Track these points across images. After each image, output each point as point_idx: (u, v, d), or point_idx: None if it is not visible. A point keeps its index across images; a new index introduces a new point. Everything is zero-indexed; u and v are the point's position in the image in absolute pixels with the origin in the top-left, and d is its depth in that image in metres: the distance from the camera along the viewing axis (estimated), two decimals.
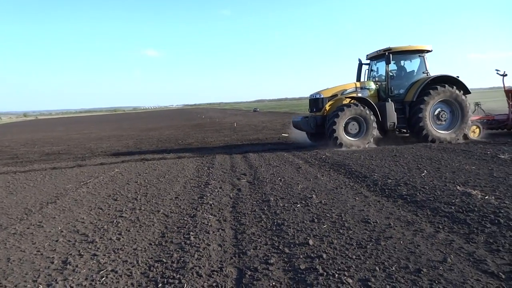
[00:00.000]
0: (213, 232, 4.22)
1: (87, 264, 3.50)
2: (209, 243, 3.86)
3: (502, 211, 4.23)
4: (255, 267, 3.22)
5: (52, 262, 3.59)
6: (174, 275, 3.17)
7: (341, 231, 3.96)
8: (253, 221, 4.54)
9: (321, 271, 3.03)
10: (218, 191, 6.24)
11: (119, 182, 7.45)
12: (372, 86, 11.59)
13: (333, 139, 10.57)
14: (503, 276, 2.76)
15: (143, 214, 5.10)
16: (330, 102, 11.34)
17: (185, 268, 3.28)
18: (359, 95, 11.37)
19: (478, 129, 11.82)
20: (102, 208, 5.51)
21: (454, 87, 10.88)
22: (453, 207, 4.52)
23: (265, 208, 5.02)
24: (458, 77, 11.20)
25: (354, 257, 3.28)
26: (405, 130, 11.78)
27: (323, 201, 5.17)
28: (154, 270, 3.31)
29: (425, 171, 6.82)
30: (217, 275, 3.13)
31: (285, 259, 3.36)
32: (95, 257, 3.66)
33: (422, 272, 2.90)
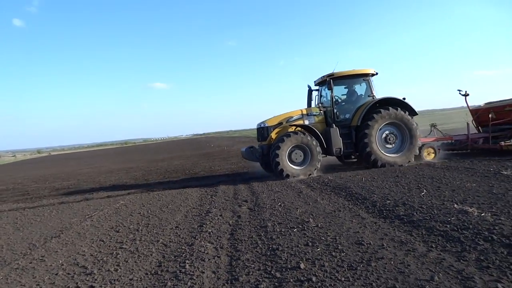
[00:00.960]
0: (209, 259, 4.28)
1: None
2: (203, 271, 3.92)
3: (496, 227, 4.21)
4: None
5: None
6: None
7: (333, 253, 3.99)
8: (249, 247, 4.58)
9: None
10: (218, 218, 6.31)
11: (123, 214, 7.58)
12: (319, 112, 11.42)
13: (278, 170, 10.32)
14: None
15: (143, 244, 5.19)
16: (276, 131, 11.04)
17: None
18: (306, 122, 11.19)
19: (433, 151, 11.61)
20: (104, 240, 5.61)
21: (399, 108, 10.76)
22: (448, 226, 4.51)
23: (262, 234, 5.07)
24: (404, 98, 11.08)
25: (343, 279, 3.30)
26: (353, 156, 11.74)
27: (319, 225, 5.20)
28: None
29: (424, 190, 6.80)
30: None
31: (276, 283, 3.40)
32: None
33: None
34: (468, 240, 3.97)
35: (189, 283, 3.60)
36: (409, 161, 10.85)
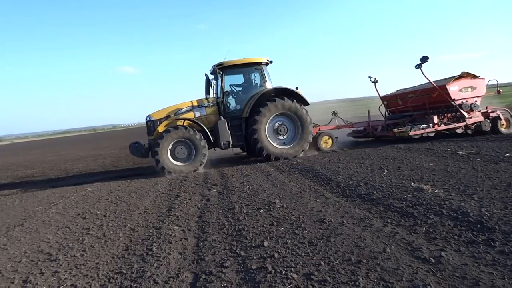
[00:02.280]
0: (176, 241, 4.34)
1: (47, 281, 3.57)
2: (170, 252, 3.98)
3: (446, 202, 4.53)
4: (210, 270, 3.37)
5: (13, 282, 3.63)
6: (132, 284, 3.29)
7: (296, 231, 4.16)
8: (216, 228, 4.68)
9: (270, 269, 3.21)
10: (187, 202, 6.36)
11: (90, 201, 7.47)
12: (211, 103, 10.97)
13: (159, 168, 9.81)
14: (433, 261, 3.01)
15: (110, 229, 5.17)
16: (164, 124, 10.33)
17: (143, 277, 3.39)
18: (196, 114, 10.67)
19: (330, 139, 11.76)
20: (70, 227, 5.54)
21: (294, 100, 10.51)
22: (404, 202, 4.80)
23: (229, 216, 5.18)
24: (297, 88, 10.96)
25: (303, 254, 3.48)
26: (243, 149, 11.52)
27: (285, 205, 5.37)
28: (113, 281, 3.41)
29: (386, 170, 7.14)
30: (173, 281, 3.27)
31: (240, 261, 3.53)
32: (56, 274, 3.73)
33: (362, 263, 3.12)
34: (421, 215, 4.25)
35: (155, 264, 3.66)
36: (302, 152, 10.69)
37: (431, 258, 3.05)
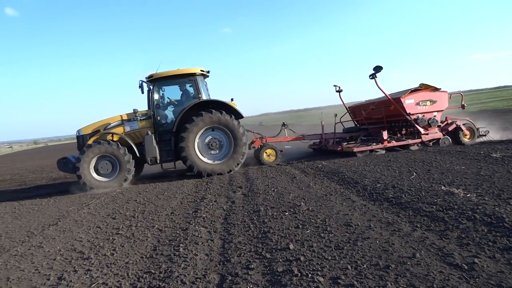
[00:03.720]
0: (202, 243, 4.41)
1: (80, 279, 3.71)
2: (196, 253, 4.05)
3: (480, 207, 4.36)
4: (236, 272, 3.40)
5: (48, 279, 3.80)
6: (160, 283, 3.36)
7: (322, 234, 4.13)
8: (242, 230, 4.71)
9: (296, 272, 3.19)
10: (212, 204, 6.44)
11: (119, 202, 7.70)
12: (144, 116, 10.37)
13: (81, 184, 9.49)
14: (466, 267, 2.91)
15: (139, 230, 5.31)
16: (93, 139, 9.96)
17: (171, 277, 3.47)
18: (127, 128, 10.21)
19: (273, 152, 11.16)
20: (100, 227, 5.73)
21: (224, 112, 9.91)
22: (434, 207, 4.66)
23: (255, 218, 5.20)
24: (232, 100, 10.55)
25: (330, 258, 3.44)
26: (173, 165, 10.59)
27: (310, 208, 5.34)
28: (142, 280, 3.51)
29: (414, 173, 6.95)
30: (200, 281, 3.32)
31: (266, 263, 3.54)
32: (89, 272, 3.87)
33: (390, 268, 3.05)
34: (452, 219, 4.11)
35: (182, 265, 3.73)
36: (234, 167, 10.12)
37: (463, 264, 2.95)
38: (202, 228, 5.00)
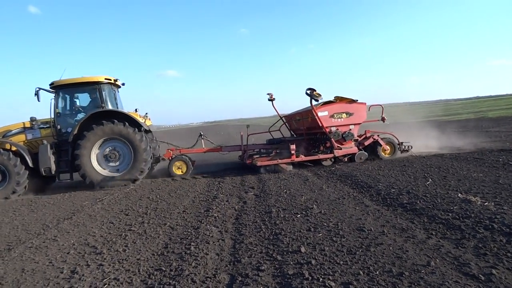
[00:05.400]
0: (213, 242, 4.41)
1: (92, 273, 3.75)
2: (207, 252, 4.05)
3: (498, 216, 4.24)
4: (246, 273, 3.39)
5: (62, 272, 3.86)
6: (171, 281, 3.38)
7: (334, 238, 4.08)
8: (253, 231, 4.70)
9: (307, 275, 3.17)
10: (224, 204, 6.44)
11: (132, 198, 7.78)
12: (47, 124, 9.95)
13: None
14: (483, 278, 2.83)
15: (151, 227, 5.35)
16: None
17: (181, 275, 3.48)
18: (29, 136, 9.75)
19: (184, 165, 10.66)
20: (113, 223, 5.80)
21: (127, 123, 9.51)
22: (450, 214, 4.55)
23: (266, 219, 5.18)
24: (136, 110, 10.25)
25: (341, 262, 3.40)
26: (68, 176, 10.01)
27: (323, 211, 5.28)
28: (153, 277, 3.53)
29: (430, 179, 6.82)
30: (210, 281, 3.32)
31: (276, 265, 3.52)
32: (101, 267, 3.92)
33: (403, 275, 2.99)
34: (469, 228, 4.01)
35: (193, 264, 3.74)
36: (138, 176, 9.66)
37: (480, 275, 2.87)
38: (213, 228, 5.00)
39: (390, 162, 9.69)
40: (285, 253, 3.80)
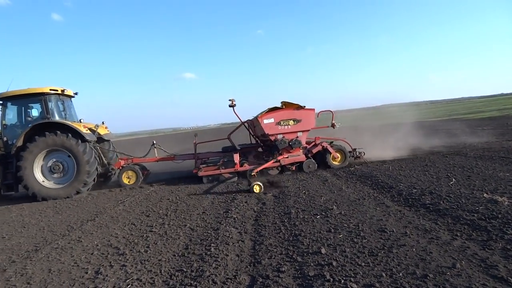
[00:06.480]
0: (233, 243, 4.43)
1: (116, 274, 3.83)
2: (227, 254, 4.07)
3: None
4: (267, 274, 3.38)
5: (86, 272, 3.96)
6: (192, 282, 3.41)
7: (355, 240, 4.03)
8: (273, 232, 4.69)
9: (328, 277, 3.14)
10: (243, 205, 6.46)
11: (153, 200, 7.90)
12: None
13: None
14: None
15: (171, 228, 5.42)
16: None
17: (202, 276, 3.51)
18: None
19: (134, 174, 10.37)
20: (135, 224, 5.91)
21: (70, 135, 9.33)
22: (475, 215, 4.42)
23: (286, 220, 5.16)
24: (80, 121, 10.08)
25: (363, 264, 3.35)
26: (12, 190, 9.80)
27: (343, 212, 5.23)
28: (175, 278, 3.57)
29: (453, 179, 6.64)
30: (231, 282, 3.33)
31: (297, 267, 3.50)
32: (124, 267, 3.99)
33: (428, 277, 2.92)
34: (496, 229, 3.89)
35: (214, 265, 3.76)
36: (81, 188, 9.45)
37: (509, 277, 2.78)
38: (233, 229, 5.02)
39: (411, 162, 9.49)
40: (305, 254, 3.78)
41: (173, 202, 7.40)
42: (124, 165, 10.55)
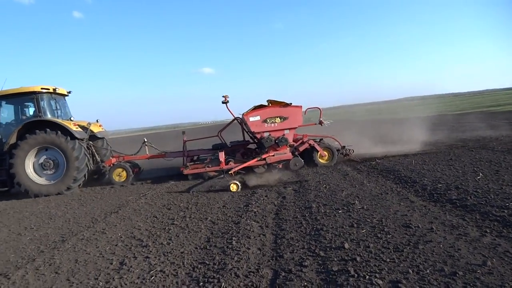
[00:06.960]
0: (254, 237, 4.43)
1: (140, 265, 3.89)
2: (249, 247, 4.07)
3: None
4: (289, 269, 3.36)
5: (111, 263, 4.04)
6: (214, 275, 3.43)
7: (379, 235, 3.95)
8: (294, 226, 4.67)
9: (352, 272, 3.09)
10: (263, 199, 6.45)
11: (174, 193, 8.00)
12: None
13: None
14: None
15: (192, 221, 5.47)
16: None
17: (225, 269, 3.52)
18: None
19: (124, 172, 10.35)
20: (157, 217, 5.99)
21: (59, 132, 9.44)
22: (506, 211, 4.26)
23: (307, 214, 5.12)
24: (71, 118, 10.05)
25: (388, 260, 3.28)
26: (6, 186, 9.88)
27: (365, 207, 5.14)
28: (197, 270, 3.60)
29: (481, 174, 6.42)
30: (254, 275, 3.33)
31: (320, 261, 3.46)
32: (147, 259, 4.05)
33: (457, 275, 2.84)
34: None
35: (235, 258, 3.77)
36: (71, 184, 9.56)
37: None
38: (253, 222, 5.02)
39: (434, 156, 9.24)
40: (328, 249, 3.74)
41: (194, 196, 7.47)
42: (115, 163, 10.68)
